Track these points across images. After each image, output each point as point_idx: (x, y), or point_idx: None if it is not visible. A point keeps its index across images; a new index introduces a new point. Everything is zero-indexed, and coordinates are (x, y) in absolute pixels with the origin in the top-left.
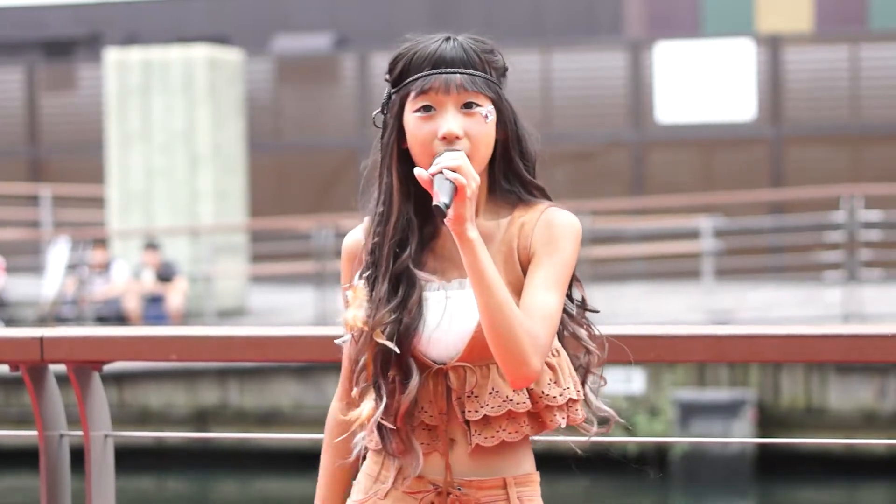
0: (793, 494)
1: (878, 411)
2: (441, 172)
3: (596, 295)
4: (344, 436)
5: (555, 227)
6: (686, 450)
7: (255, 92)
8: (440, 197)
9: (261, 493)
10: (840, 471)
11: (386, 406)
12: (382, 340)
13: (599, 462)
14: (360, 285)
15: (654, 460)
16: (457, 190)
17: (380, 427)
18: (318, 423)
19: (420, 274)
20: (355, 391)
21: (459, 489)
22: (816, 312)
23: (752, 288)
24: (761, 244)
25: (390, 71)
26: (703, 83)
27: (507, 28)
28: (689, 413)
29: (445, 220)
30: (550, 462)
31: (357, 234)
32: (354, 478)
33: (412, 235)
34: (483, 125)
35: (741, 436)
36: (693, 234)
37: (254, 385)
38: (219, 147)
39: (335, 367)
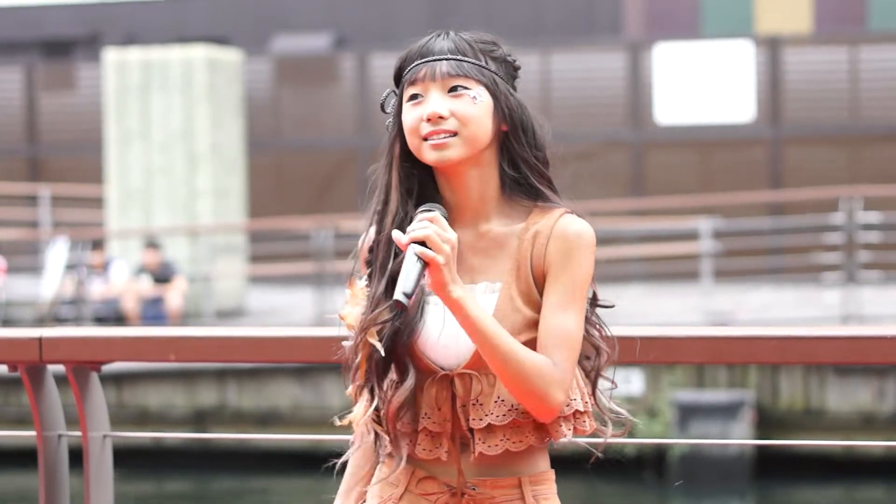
0: (791, 496)
1: (877, 413)
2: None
3: None
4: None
5: (570, 240)
6: (685, 451)
7: (255, 92)
8: (400, 287)
9: (259, 494)
10: (839, 472)
11: (377, 408)
12: (373, 341)
13: (597, 463)
14: (362, 283)
15: (653, 462)
16: (427, 265)
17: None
18: (316, 423)
19: None
20: (350, 389)
21: (474, 489)
22: (815, 314)
23: (751, 289)
24: (760, 245)
25: (393, 72)
26: (703, 84)
27: (507, 28)
28: (688, 414)
29: (428, 287)
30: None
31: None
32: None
33: None
34: (471, 105)
35: (740, 437)
36: (692, 236)
37: (252, 386)
38: (218, 147)
39: (334, 368)
